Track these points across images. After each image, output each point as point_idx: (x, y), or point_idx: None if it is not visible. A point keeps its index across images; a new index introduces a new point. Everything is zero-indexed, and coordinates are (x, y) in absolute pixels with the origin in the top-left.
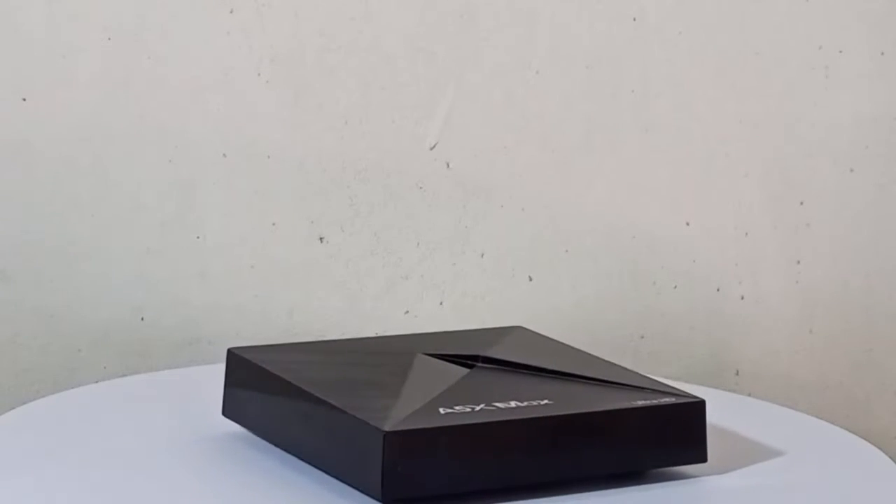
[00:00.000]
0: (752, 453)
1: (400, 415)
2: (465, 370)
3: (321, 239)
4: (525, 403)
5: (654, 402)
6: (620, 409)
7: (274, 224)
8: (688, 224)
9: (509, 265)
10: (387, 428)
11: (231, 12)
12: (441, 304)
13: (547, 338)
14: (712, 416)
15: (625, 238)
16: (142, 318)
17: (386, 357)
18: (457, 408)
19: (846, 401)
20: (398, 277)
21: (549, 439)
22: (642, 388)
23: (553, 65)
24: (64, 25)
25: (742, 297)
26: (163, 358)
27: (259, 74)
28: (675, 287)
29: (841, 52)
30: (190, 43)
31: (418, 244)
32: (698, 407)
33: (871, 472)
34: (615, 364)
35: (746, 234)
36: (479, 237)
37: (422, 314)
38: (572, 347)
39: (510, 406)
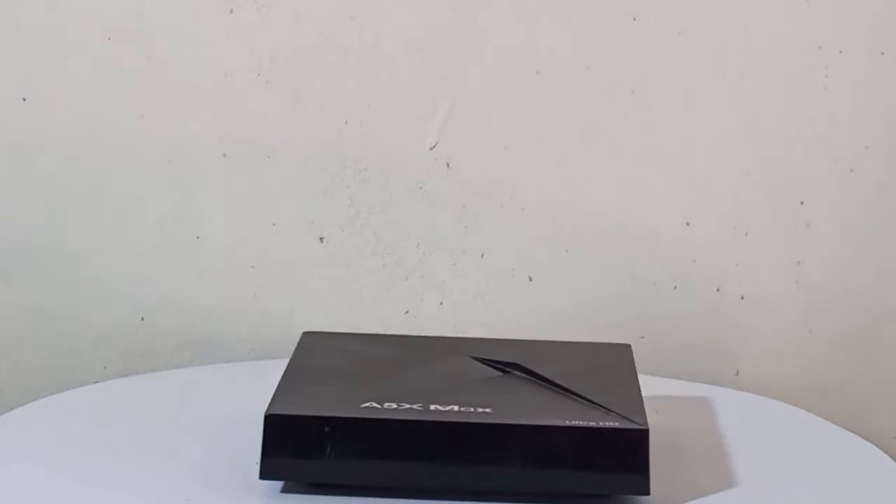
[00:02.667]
0: (752, 453)
1: (311, 402)
2: (490, 376)
3: (321, 239)
4: (460, 409)
5: (584, 423)
6: (535, 424)
7: (274, 224)
8: (688, 224)
9: (509, 265)
10: (270, 411)
11: (231, 12)
12: (441, 304)
13: (626, 362)
14: (712, 415)
15: (625, 238)
16: (142, 318)
17: (427, 355)
18: (386, 404)
19: (846, 401)
20: (398, 277)
21: (437, 445)
22: (608, 411)
23: (553, 65)
24: (64, 25)
25: (742, 297)
26: (163, 358)
27: (259, 74)
28: (675, 287)
29: (841, 52)
30: (190, 43)
31: (418, 244)
32: (639, 435)
33: (871, 472)
34: (636, 390)
35: (746, 234)
36: (479, 237)
37: (422, 314)
38: (631, 374)
39: (440, 409)
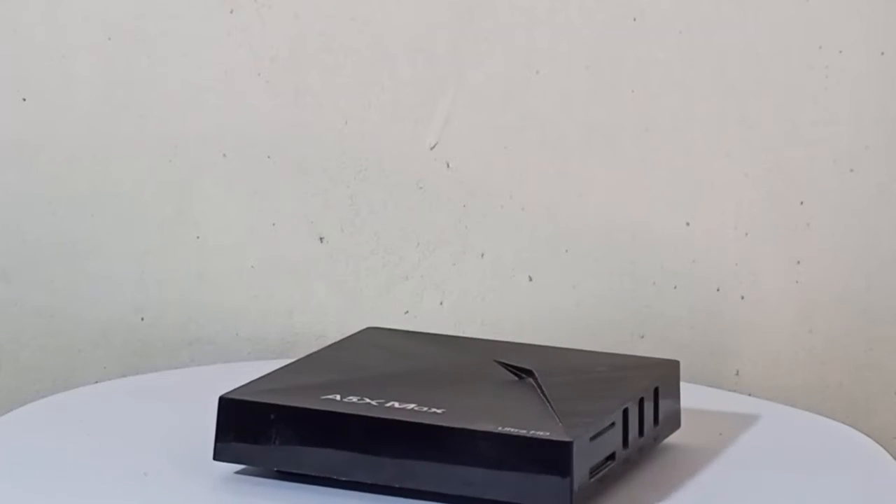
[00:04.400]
0: (753, 450)
1: (272, 389)
2: (498, 381)
3: (321, 239)
4: (414, 407)
5: (513, 431)
6: (462, 428)
7: (274, 224)
8: (688, 224)
9: (509, 265)
10: (224, 395)
11: (231, 12)
12: (441, 304)
13: (646, 377)
14: (713, 415)
15: (625, 238)
16: (142, 318)
17: (455, 357)
18: (348, 398)
19: (846, 401)
20: (398, 277)
21: (372, 441)
22: (557, 422)
23: (553, 65)
24: (64, 25)
25: (742, 297)
26: (163, 358)
27: (259, 74)
28: (675, 287)
29: (841, 52)
30: (190, 43)
31: (418, 244)
32: (560, 447)
33: (874, 471)
34: (617, 404)
35: (746, 234)
36: (479, 237)
37: (422, 314)
38: (635, 389)
39: (394, 406)
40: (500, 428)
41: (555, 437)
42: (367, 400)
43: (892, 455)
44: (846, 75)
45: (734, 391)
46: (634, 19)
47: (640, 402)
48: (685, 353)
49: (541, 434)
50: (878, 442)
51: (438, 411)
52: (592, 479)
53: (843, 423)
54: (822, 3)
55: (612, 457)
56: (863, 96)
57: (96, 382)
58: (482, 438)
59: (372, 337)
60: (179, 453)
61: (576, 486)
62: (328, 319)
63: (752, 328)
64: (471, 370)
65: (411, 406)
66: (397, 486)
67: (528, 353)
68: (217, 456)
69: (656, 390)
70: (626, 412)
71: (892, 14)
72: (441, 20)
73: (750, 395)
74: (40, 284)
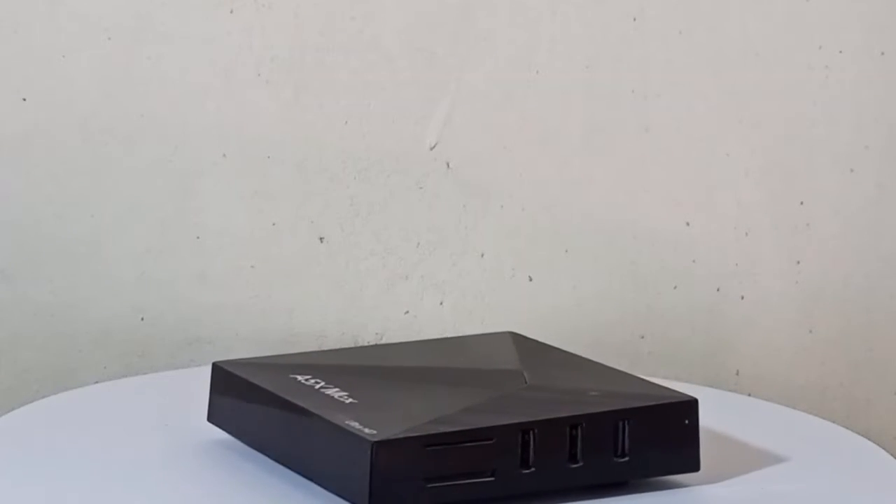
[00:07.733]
0: (754, 453)
1: (258, 365)
2: (501, 388)
3: (321, 239)
4: (340, 396)
5: (346, 424)
6: (316, 413)
7: (274, 224)
8: (688, 224)
9: (509, 265)
10: (217, 361)
11: (231, 12)
12: (441, 304)
13: (625, 405)
14: (712, 416)
15: (625, 238)
16: (142, 318)
17: (498, 363)
18: (311, 381)
19: (846, 401)
20: (398, 277)
21: (279, 426)
22: (418, 422)
23: (553, 65)
24: (64, 25)
25: (742, 297)
26: (163, 358)
27: (259, 74)
28: (675, 287)
29: (841, 52)
30: (190, 43)
31: (418, 244)
32: (365, 445)
33: (873, 471)
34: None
35: (746, 234)
36: (479, 237)
37: (422, 314)
38: (588, 411)
39: (321, 392)
40: (346, 422)
41: (364, 435)
42: (322, 384)
43: (891, 455)
44: (846, 75)
45: (734, 391)
46: (634, 19)
47: (576, 428)
48: (685, 353)
49: (366, 432)
50: (877, 442)
51: (347, 401)
52: (432, 487)
53: (843, 422)
54: (822, 3)
55: (492, 473)
56: (863, 96)
57: (96, 382)
58: (326, 429)
59: (481, 339)
60: (176, 447)
61: (380, 488)
62: (328, 319)
63: (752, 328)
64: (486, 376)
65: (341, 395)
66: (282, 464)
67: (574, 370)
68: (209, 418)
69: (624, 422)
70: (531, 434)
71: (892, 14)
72: (441, 20)
73: (750, 395)
74: (40, 284)
